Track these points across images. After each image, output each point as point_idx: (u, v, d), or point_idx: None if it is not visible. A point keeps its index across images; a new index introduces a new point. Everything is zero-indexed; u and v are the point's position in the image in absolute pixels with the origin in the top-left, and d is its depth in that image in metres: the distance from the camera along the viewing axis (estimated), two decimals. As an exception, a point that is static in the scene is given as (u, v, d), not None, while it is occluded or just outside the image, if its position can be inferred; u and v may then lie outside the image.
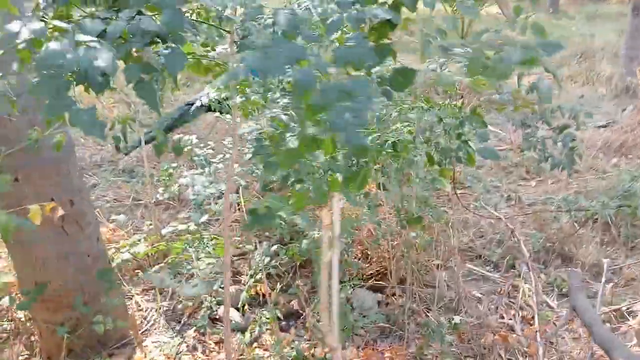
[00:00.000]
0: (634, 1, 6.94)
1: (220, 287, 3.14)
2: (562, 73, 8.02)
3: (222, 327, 2.92)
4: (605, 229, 3.45)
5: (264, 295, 2.81)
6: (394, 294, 3.12)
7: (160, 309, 3.08)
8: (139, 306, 3.12)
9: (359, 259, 3.38)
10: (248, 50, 1.36)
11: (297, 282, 2.93)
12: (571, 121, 3.30)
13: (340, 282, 3.20)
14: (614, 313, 2.65)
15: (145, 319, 3.05)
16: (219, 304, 3.06)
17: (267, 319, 2.63)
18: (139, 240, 3.21)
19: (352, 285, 3.18)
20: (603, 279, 2.70)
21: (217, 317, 3.00)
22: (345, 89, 1.13)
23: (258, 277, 2.99)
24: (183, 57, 1.14)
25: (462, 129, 2.58)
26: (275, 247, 3.12)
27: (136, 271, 3.32)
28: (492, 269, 3.35)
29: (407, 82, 1.26)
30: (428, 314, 2.85)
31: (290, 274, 3.20)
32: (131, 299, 3.13)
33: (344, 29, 1.42)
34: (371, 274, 3.35)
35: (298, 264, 3.15)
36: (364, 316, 2.79)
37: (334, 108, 1.12)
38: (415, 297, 3.02)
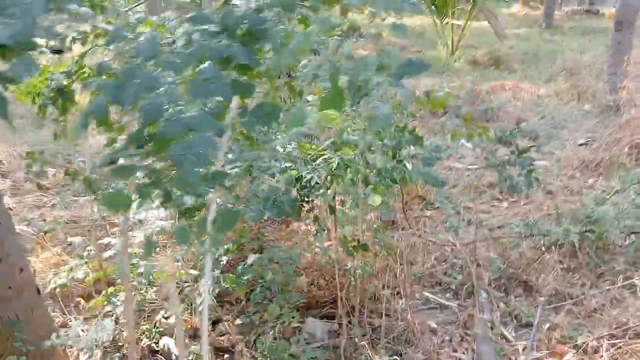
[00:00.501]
0: (616, 16, 6.84)
1: (163, 317, 3.01)
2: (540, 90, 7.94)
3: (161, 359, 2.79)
4: (572, 254, 3.30)
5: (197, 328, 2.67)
6: (349, 323, 2.97)
7: (100, 339, 2.93)
8: (78, 336, 2.97)
9: (312, 285, 3.24)
10: (105, 76, 1.24)
11: (226, 317, 2.78)
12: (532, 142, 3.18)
13: (296, 309, 3.07)
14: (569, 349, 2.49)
15: (82, 350, 2.90)
16: (161, 334, 2.92)
17: (195, 355, 2.48)
18: (79, 265, 3.07)
19: (303, 315, 3.05)
20: (535, 324, 2.58)
21: (158, 349, 2.86)
22: (190, 123, 1.01)
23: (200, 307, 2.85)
24: (32, 66, 1.02)
25: (400, 150, 2.46)
26: (217, 273, 2.99)
27: (78, 299, 3.18)
28: (452, 297, 3.20)
29: (273, 117, 1.13)
30: (376, 346, 2.70)
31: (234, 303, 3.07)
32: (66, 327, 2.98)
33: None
34: (325, 301, 3.20)
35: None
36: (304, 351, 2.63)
37: (181, 141, 1.00)
38: (365, 328, 2.87)
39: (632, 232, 3.12)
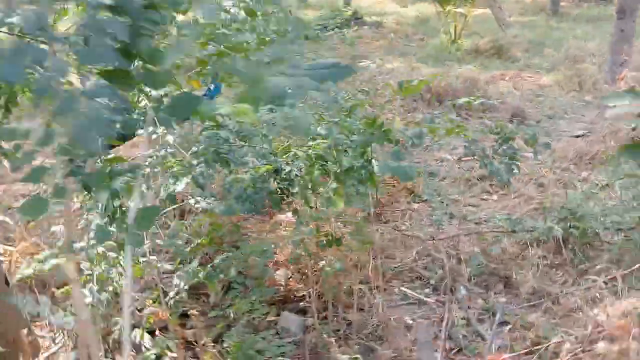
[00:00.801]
0: (618, 4, 6.68)
1: (137, 309, 2.98)
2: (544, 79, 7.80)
3: (133, 351, 2.76)
4: (557, 250, 3.22)
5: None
6: (324, 317, 2.92)
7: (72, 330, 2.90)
8: (51, 326, 2.95)
9: (290, 279, 3.20)
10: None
11: (199, 310, 2.74)
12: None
13: (273, 303, 3.03)
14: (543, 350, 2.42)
15: (54, 340, 2.89)
16: (135, 326, 2.88)
17: (161, 348, 2.44)
18: (51, 255, 3.03)
19: (280, 309, 3.02)
20: (494, 324, 2.52)
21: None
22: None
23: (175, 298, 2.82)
24: None
25: (368, 146, 2.40)
26: (195, 265, 2.94)
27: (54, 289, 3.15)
28: (431, 292, 3.14)
29: (188, 109, 1.07)
30: (348, 342, 2.65)
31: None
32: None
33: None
34: (303, 295, 3.16)
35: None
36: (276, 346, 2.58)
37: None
38: (340, 323, 2.83)
39: (618, 229, 3.04)
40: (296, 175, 2.66)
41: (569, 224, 3.09)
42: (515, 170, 2.66)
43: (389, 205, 4.26)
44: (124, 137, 4.33)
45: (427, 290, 3.15)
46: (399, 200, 4.32)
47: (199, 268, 2.76)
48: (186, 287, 2.92)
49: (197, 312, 2.57)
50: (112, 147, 4.20)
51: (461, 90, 6.41)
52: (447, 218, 3.71)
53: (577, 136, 5.51)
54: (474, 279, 3.14)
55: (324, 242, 2.61)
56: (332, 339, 2.51)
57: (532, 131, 2.88)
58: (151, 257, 2.84)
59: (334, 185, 2.31)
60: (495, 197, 4.37)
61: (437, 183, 4.63)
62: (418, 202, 4.27)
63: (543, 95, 7.36)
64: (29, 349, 2.61)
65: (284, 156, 2.67)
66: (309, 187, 2.58)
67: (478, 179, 4.61)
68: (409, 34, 12.62)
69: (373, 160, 2.34)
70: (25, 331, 2.68)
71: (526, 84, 7.91)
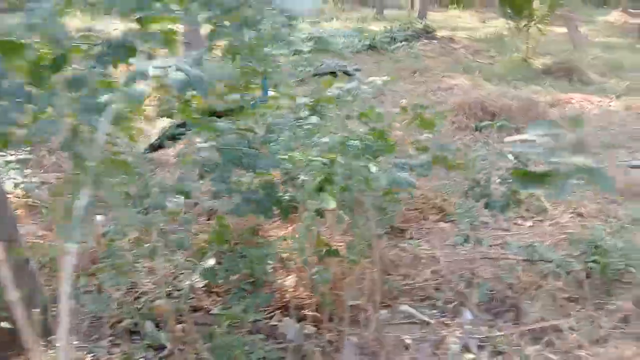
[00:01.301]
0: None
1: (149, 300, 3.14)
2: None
3: (138, 342, 2.90)
4: (577, 284, 3.06)
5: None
6: (326, 328, 2.94)
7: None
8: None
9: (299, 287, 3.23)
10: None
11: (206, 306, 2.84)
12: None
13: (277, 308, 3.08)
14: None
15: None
16: (143, 317, 3.02)
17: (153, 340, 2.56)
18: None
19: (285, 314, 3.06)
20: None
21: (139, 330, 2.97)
22: None
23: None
24: None
25: (365, 153, 2.40)
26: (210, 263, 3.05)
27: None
28: (437, 313, 3.07)
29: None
30: (337, 355, 2.65)
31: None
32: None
33: None
34: (308, 303, 3.19)
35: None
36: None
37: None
38: (336, 334, 2.83)
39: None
40: (302, 183, 2.69)
41: (590, 258, 2.92)
42: (513, 205, 2.57)
43: (416, 222, 4.20)
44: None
45: (433, 312, 3.08)
46: (427, 218, 4.26)
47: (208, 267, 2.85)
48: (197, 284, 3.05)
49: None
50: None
51: (516, 111, 6.20)
52: (472, 240, 3.61)
53: (634, 166, 5.18)
54: (483, 305, 3.04)
55: (322, 253, 2.64)
56: (318, 350, 2.52)
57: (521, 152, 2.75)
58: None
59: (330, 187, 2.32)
60: (529, 223, 4.20)
61: (471, 203, 4.50)
62: (447, 222, 4.19)
63: (609, 121, 6.98)
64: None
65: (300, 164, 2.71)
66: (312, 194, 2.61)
67: (515, 203, 4.45)
68: (480, 50, 12.35)
69: (372, 169, 2.33)
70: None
71: (594, 109, 7.54)
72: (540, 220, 4.21)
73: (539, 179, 1.12)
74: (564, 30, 12.01)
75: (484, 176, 2.77)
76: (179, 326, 2.66)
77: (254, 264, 2.89)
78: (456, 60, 11.12)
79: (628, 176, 4.77)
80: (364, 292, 2.88)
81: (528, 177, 1.16)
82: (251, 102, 5.51)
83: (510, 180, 2.67)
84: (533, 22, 10.10)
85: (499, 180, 2.77)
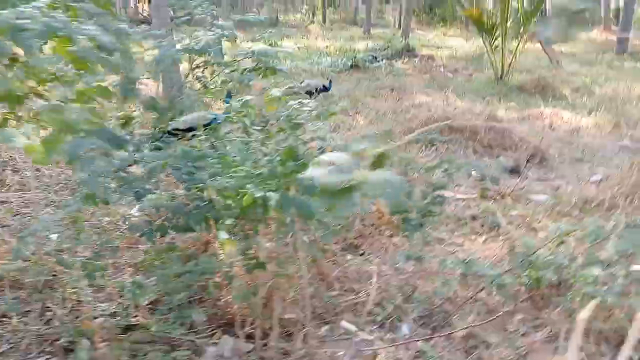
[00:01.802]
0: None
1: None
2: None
3: None
4: (514, 298, 3.06)
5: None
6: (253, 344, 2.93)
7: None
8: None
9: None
10: None
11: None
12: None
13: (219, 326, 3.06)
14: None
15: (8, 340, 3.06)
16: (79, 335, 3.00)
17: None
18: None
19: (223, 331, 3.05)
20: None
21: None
22: None
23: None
24: None
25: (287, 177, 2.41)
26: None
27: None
28: (376, 328, 3.07)
29: None
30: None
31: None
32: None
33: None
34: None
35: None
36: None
37: None
38: (270, 350, 2.82)
39: (574, 283, 2.85)
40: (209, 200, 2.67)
41: (524, 273, 2.94)
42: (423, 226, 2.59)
43: (370, 237, 4.21)
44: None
45: (371, 327, 3.08)
46: (382, 233, 4.27)
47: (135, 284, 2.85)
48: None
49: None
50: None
51: (482, 126, 6.26)
52: (414, 256, 3.62)
53: (595, 181, 5.22)
54: (420, 320, 3.05)
55: (250, 265, 2.64)
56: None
57: (479, 168, 2.80)
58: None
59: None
60: (483, 238, 4.21)
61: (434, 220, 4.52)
62: (400, 237, 4.20)
63: (577, 136, 7.04)
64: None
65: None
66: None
67: (471, 219, 4.49)
68: (459, 68, 12.49)
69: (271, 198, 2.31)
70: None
71: (564, 124, 7.61)
72: (495, 236, 4.22)
73: (339, 194, 1.14)
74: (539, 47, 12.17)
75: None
76: (103, 344, 2.65)
77: (195, 280, 2.88)
78: (434, 78, 11.23)
79: (586, 191, 4.80)
80: (296, 307, 2.89)
81: (329, 193, 1.18)
82: (213, 120, 5.59)
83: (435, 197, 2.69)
84: (505, 41, 10.23)
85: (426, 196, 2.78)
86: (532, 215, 4.36)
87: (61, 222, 3.31)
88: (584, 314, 1.47)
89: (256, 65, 3.36)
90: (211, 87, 3.81)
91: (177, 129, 4.40)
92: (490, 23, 9.98)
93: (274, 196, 2.15)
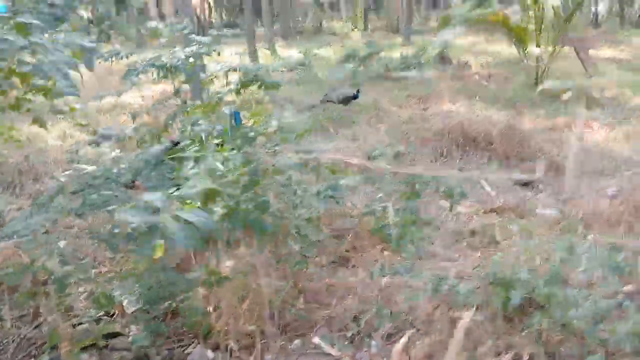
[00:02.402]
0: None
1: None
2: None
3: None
4: (492, 318, 2.99)
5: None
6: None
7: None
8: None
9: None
10: None
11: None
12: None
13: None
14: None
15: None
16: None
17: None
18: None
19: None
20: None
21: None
22: None
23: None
24: None
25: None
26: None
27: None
28: (347, 344, 3.06)
29: None
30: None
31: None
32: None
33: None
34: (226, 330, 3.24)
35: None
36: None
37: None
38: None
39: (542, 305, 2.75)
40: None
41: (495, 290, 2.86)
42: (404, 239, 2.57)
43: (362, 251, 4.19)
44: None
45: (343, 342, 3.07)
46: (375, 246, 4.24)
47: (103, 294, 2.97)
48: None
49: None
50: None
51: (497, 137, 6.11)
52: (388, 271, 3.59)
53: (612, 196, 5.00)
54: (391, 336, 3.02)
55: (212, 280, 2.70)
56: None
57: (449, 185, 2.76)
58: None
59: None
60: (479, 253, 4.12)
61: (426, 233, 4.46)
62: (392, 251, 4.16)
63: (604, 147, 6.76)
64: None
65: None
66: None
67: (470, 233, 4.40)
68: (494, 74, 12.21)
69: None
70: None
71: (593, 135, 7.32)
72: (493, 251, 4.12)
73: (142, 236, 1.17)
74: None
75: (380, 207, 2.77)
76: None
77: (175, 291, 2.97)
78: (465, 85, 11.02)
79: (596, 205, 4.61)
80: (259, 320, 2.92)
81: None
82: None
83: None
84: (539, 46, 9.93)
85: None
86: (533, 231, 4.23)
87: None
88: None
89: (252, 79, 3.41)
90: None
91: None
92: (520, 28, 9.71)
93: (219, 210, 2.20)
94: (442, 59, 13.02)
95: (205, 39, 3.15)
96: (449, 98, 9.63)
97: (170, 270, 3.07)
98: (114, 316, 3.41)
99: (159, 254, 1.17)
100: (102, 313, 3.41)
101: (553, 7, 10.22)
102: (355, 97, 9.29)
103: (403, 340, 2.73)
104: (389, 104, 9.29)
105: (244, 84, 3.23)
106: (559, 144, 6.81)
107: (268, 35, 18.42)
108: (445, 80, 11.69)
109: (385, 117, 8.20)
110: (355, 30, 25.26)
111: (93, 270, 3.48)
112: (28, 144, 5.95)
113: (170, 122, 3.17)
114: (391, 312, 3.11)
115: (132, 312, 3.38)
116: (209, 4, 31.69)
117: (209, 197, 1.48)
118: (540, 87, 10.02)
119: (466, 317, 1.52)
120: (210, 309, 2.82)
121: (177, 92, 3.18)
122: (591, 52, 10.43)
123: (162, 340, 3.15)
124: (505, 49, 16.41)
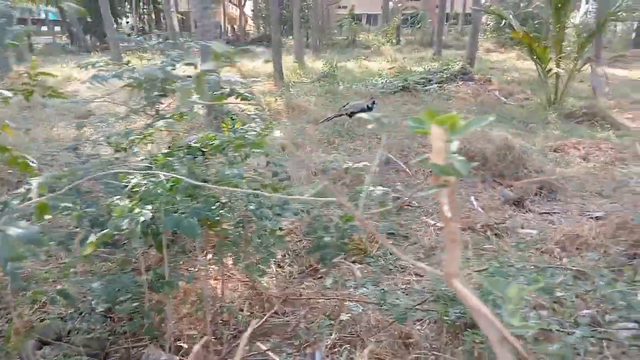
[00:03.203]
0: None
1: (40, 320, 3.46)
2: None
3: None
4: (438, 332, 3.03)
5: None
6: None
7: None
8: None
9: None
10: None
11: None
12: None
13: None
14: None
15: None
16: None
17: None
18: None
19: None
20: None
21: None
22: None
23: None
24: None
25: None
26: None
27: None
28: (293, 353, 3.14)
29: None
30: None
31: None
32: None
33: None
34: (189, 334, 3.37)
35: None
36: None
37: None
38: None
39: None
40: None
41: (430, 306, 2.90)
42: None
43: (335, 263, 4.27)
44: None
45: (291, 351, 3.16)
46: (349, 258, 4.31)
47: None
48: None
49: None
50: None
51: (491, 155, 6.08)
52: (345, 283, 3.65)
53: (597, 217, 4.92)
54: (335, 347, 3.08)
55: (158, 285, 2.82)
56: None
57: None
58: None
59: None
60: (448, 270, 4.13)
61: (403, 247, 4.51)
62: (363, 263, 4.22)
63: (608, 169, 6.62)
64: None
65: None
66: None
67: (443, 249, 4.41)
68: (515, 92, 12.09)
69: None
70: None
71: (601, 155, 7.18)
72: (461, 268, 4.12)
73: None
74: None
75: (319, 224, 2.86)
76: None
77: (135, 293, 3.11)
78: (483, 102, 10.96)
79: (578, 228, 4.54)
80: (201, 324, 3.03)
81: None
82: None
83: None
84: (559, 65, 9.78)
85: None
86: (506, 251, 4.22)
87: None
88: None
89: (229, 92, 3.55)
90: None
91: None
92: (541, 47, 9.59)
93: (146, 214, 2.32)
94: (464, 74, 12.98)
95: (176, 53, 3.29)
96: (462, 115, 9.57)
97: (126, 273, 3.23)
98: (82, 314, 3.58)
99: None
100: (72, 310, 3.59)
101: (574, 26, 10.08)
102: (370, 109, 9.25)
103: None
104: (399, 118, 9.32)
105: (220, 97, 3.37)
106: (563, 164, 6.72)
107: (297, 47, 18.70)
108: (462, 96, 11.65)
109: (393, 131, 8.25)
110: (387, 44, 25.37)
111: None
112: None
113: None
114: (338, 323, 3.17)
115: (99, 311, 3.56)
116: (246, 16, 32.37)
117: (41, 211, 1.60)
118: (556, 106, 9.89)
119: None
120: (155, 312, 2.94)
121: (152, 103, 3.34)
122: (609, 71, 10.21)
123: (122, 339, 3.30)
124: (533, 66, 16.24)
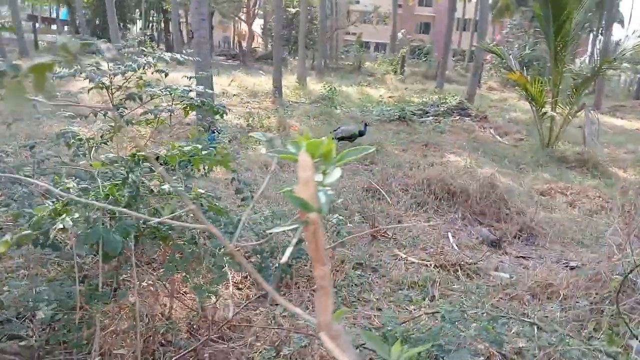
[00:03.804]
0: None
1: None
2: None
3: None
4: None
5: None
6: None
7: None
8: None
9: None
10: None
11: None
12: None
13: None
14: None
15: None
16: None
17: None
18: None
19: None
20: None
21: None
22: None
23: None
24: None
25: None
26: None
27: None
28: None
29: None
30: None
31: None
32: None
33: None
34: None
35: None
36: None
37: None
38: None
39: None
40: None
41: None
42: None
43: (296, 288, 4.11)
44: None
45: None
46: (313, 285, 4.15)
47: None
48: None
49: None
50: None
51: (478, 192, 5.94)
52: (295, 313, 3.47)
53: (572, 268, 4.77)
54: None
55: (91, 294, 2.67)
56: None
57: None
58: None
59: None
60: (411, 307, 3.97)
61: (371, 279, 4.35)
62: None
63: (593, 217, 6.49)
64: None
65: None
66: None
67: (409, 286, 4.25)
68: (511, 132, 12.03)
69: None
70: None
71: (587, 203, 7.06)
72: (425, 307, 3.96)
73: None
74: (601, 117, 11.46)
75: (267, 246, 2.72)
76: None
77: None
78: (476, 139, 10.88)
79: (551, 276, 4.39)
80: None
81: None
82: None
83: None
84: (554, 109, 9.73)
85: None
86: (472, 293, 4.06)
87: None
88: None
89: (199, 103, 3.44)
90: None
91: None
92: (537, 89, 9.54)
93: (67, 223, 2.18)
94: (462, 109, 12.94)
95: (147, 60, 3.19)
96: (453, 149, 9.50)
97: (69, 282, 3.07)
98: (24, 320, 3.41)
99: None
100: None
101: (572, 72, 10.06)
102: (361, 133, 9.04)
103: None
104: (392, 147, 9.22)
105: (190, 107, 3.28)
106: (549, 209, 6.59)
107: (299, 67, 18.73)
108: (456, 131, 11.59)
109: (381, 160, 8.14)
110: (392, 73, 25.43)
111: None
112: None
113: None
114: (281, 355, 3.01)
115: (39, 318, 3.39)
116: (254, 33, 32.60)
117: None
118: (549, 149, 9.80)
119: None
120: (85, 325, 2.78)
121: (117, 108, 3.23)
122: (608, 120, 10.15)
123: (59, 350, 3.13)
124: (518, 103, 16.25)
